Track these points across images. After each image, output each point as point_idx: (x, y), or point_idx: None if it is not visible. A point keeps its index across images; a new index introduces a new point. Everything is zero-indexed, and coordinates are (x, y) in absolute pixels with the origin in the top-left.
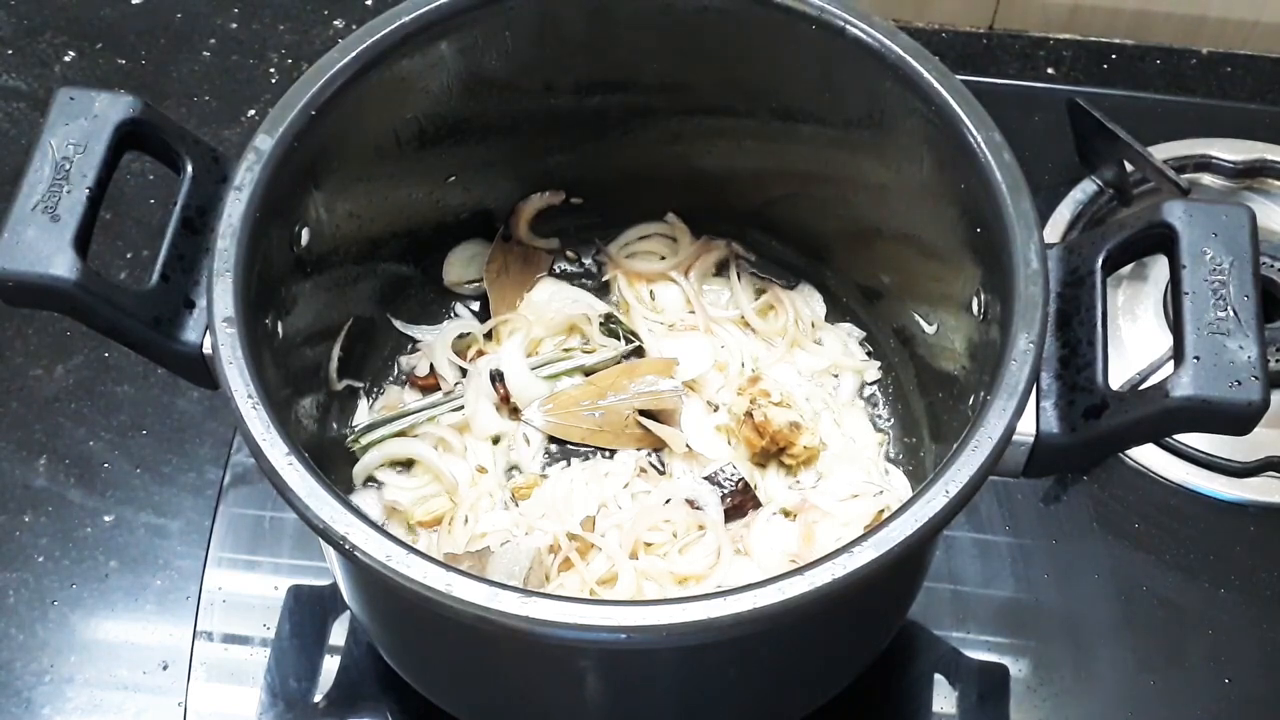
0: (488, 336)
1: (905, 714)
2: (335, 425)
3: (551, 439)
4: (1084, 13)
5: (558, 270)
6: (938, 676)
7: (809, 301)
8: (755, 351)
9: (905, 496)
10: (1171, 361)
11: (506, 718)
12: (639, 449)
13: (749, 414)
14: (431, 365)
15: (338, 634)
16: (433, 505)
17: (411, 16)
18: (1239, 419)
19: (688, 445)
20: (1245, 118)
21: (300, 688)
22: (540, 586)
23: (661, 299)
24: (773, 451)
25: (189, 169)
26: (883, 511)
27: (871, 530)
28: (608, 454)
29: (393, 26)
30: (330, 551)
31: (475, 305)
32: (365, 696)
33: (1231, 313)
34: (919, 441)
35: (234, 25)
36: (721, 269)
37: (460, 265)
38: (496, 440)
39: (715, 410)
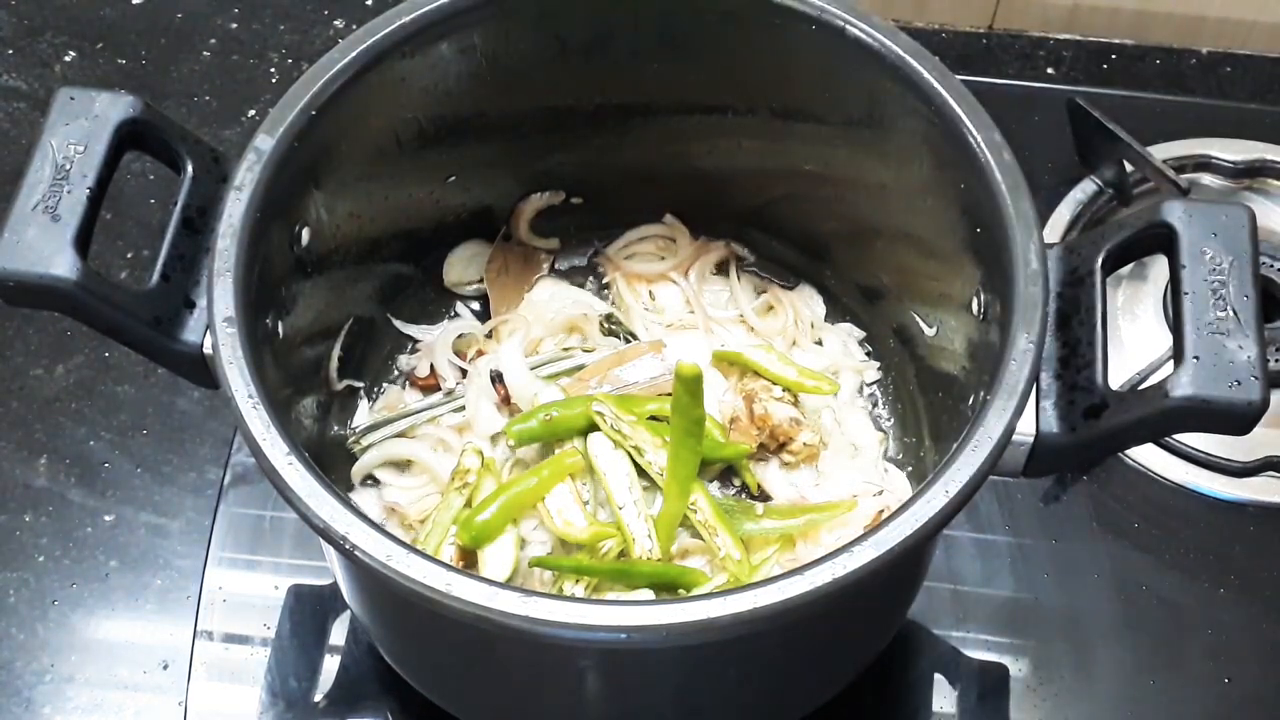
0: (488, 336)
1: (905, 714)
2: (335, 425)
3: None
4: (1084, 13)
5: (558, 270)
6: (938, 676)
7: (809, 301)
8: None
9: (905, 496)
10: (1171, 361)
11: (506, 718)
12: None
13: (749, 407)
14: (431, 365)
15: (338, 634)
16: (431, 505)
17: (411, 16)
18: (1239, 419)
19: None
20: (1245, 118)
21: (300, 687)
22: (541, 586)
23: (661, 299)
24: (772, 448)
25: (189, 169)
26: (883, 511)
27: (871, 530)
28: None
29: (393, 26)
30: (330, 551)
31: (475, 305)
32: (365, 696)
33: (1231, 312)
34: (919, 441)
35: (234, 25)
36: (721, 269)
37: (460, 265)
38: (496, 440)
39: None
